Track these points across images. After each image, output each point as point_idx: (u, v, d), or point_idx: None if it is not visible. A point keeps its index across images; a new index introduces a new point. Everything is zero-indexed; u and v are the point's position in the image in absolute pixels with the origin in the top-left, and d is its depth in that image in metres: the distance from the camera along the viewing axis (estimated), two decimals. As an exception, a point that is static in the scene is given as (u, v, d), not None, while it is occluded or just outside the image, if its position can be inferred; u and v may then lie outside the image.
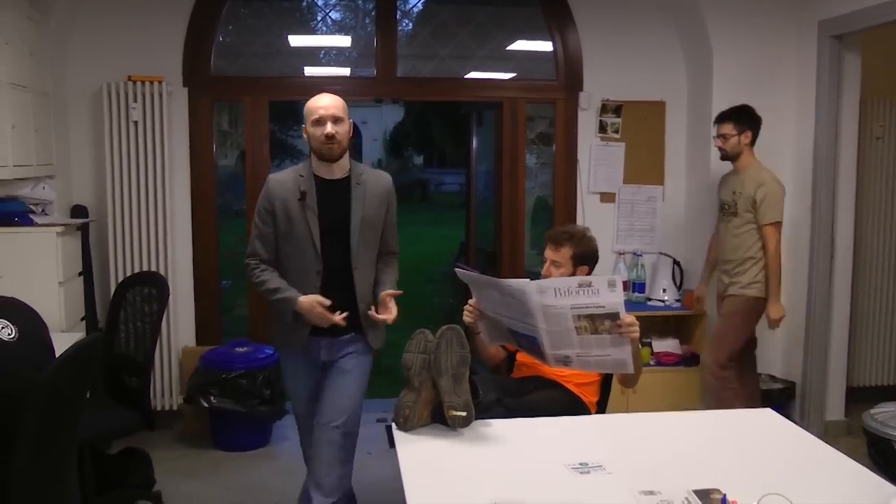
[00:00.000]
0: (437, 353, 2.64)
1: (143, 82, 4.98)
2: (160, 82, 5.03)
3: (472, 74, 5.86)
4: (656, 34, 5.60)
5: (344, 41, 6.01)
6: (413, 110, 24.93)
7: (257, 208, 3.38)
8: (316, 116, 3.23)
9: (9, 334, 2.38)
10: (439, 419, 2.67)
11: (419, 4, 5.98)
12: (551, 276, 3.31)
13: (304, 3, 6.11)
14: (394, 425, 2.67)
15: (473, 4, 5.78)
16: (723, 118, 4.74)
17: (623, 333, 2.60)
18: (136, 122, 4.97)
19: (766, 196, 4.55)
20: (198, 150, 5.30)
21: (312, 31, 6.02)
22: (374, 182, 3.38)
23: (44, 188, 4.42)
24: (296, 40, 5.76)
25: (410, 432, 2.64)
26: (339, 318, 3.20)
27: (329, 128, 3.21)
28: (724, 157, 4.76)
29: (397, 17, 5.56)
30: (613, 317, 2.57)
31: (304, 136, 3.32)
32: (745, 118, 4.68)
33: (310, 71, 5.92)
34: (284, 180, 3.35)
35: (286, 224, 3.29)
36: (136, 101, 4.95)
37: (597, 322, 2.59)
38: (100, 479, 3.69)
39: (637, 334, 2.65)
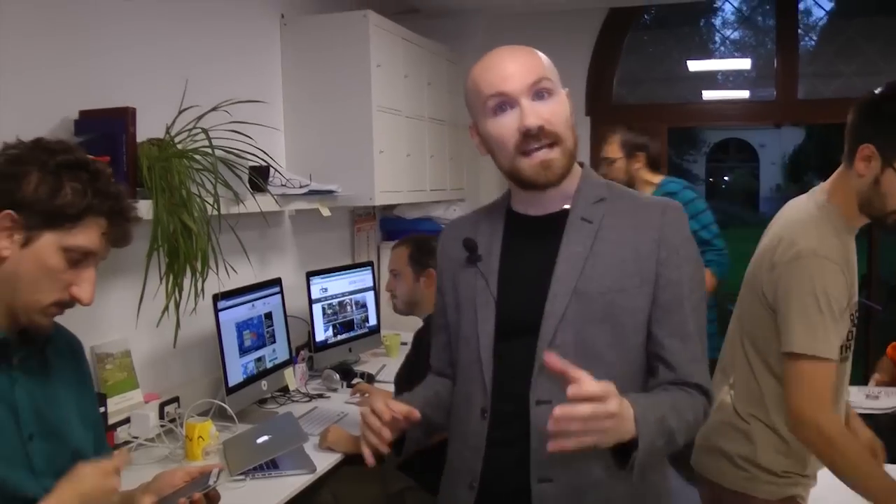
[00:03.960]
0: None
1: (548, 113, 5.18)
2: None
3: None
4: None
5: (743, 63, 5.88)
6: (815, 132, 23.43)
7: None
8: (494, 94, 1.56)
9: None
10: None
11: (824, 18, 5.68)
12: None
13: (703, 25, 6.08)
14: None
15: (884, 15, 5.36)
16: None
17: None
18: (541, 151, 5.17)
19: None
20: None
21: (710, 55, 5.97)
22: (627, 214, 1.62)
23: (454, 210, 4.79)
24: (695, 65, 5.74)
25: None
26: (368, 454, 1.57)
27: (529, 115, 1.53)
28: None
29: (798, 34, 5.32)
30: None
31: (476, 142, 1.68)
32: None
33: (708, 95, 5.87)
34: (463, 226, 1.80)
35: (454, 311, 1.74)
36: (539, 130, 5.15)
37: None
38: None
39: None
